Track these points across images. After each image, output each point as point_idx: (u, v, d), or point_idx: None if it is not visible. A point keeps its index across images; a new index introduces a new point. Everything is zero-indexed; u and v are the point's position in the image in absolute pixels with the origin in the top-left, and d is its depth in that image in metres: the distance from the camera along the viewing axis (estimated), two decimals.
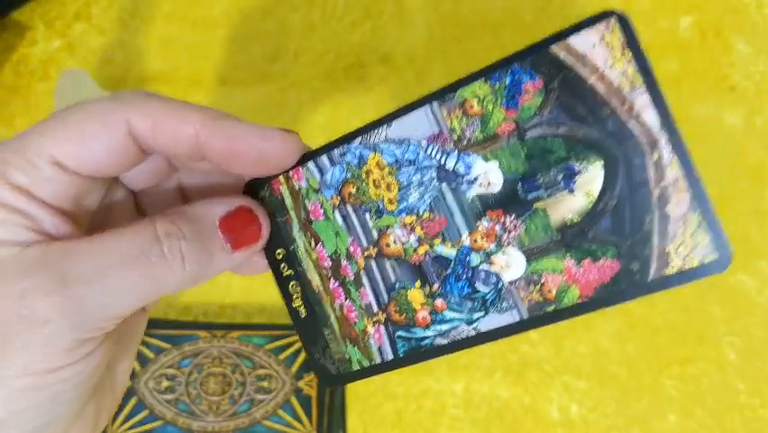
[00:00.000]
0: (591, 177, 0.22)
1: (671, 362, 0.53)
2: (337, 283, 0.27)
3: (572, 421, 0.53)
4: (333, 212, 0.26)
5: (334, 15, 0.60)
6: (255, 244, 0.26)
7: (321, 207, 0.26)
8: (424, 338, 0.25)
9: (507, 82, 0.22)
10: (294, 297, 0.28)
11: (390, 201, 0.25)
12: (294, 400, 0.52)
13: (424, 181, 0.24)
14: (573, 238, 0.22)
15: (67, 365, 0.22)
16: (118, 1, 0.62)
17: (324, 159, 0.26)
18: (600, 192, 0.22)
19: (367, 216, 0.26)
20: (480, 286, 0.24)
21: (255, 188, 0.27)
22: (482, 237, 0.24)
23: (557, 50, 0.21)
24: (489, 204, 0.24)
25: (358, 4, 0.60)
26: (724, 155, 0.56)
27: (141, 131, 0.23)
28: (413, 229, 0.25)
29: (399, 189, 0.25)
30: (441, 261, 0.25)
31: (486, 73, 0.23)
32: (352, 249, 0.26)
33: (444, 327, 0.25)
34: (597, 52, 0.21)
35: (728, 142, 0.56)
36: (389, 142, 0.25)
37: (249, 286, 0.56)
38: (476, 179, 0.24)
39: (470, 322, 0.24)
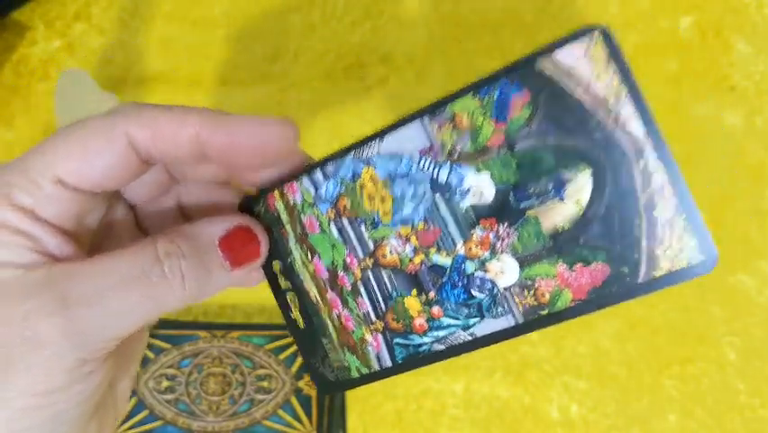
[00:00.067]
0: (581, 185, 0.22)
1: (671, 362, 0.53)
2: (335, 294, 0.27)
3: (572, 421, 0.53)
4: (329, 225, 0.26)
5: (334, 15, 0.60)
6: (254, 261, 0.26)
7: (317, 220, 0.26)
8: (421, 345, 0.26)
9: (496, 96, 0.22)
10: (292, 308, 0.28)
11: (385, 213, 0.25)
12: (294, 400, 0.52)
13: (417, 193, 0.24)
14: (565, 244, 0.23)
15: (68, 385, 0.22)
16: (118, 1, 0.62)
17: (318, 174, 0.26)
18: (590, 200, 0.22)
19: (362, 228, 0.26)
20: (475, 292, 0.24)
21: (250, 204, 0.28)
22: (477, 246, 0.24)
23: (543, 64, 0.22)
24: (482, 213, 0.24)
25: (358, 4, 0.60)
26: (724, 155, 0.56)
27: (142, 140, 0.23)
28: (408, 240, 0.25)
29: (393, 202, 0.25)
30: (437, 269, 0.25)
31: (475, 88, 0.23)
32: (348, 260, 0.26)
33: (441, 333, 0.25)
34: (582, 65, 0.21)
35: (728, 142, 0.56)
36: (382, 156, 0.25)
37: None
38: (469, 189, 0.24)
39: (466, 328, 0.25)
